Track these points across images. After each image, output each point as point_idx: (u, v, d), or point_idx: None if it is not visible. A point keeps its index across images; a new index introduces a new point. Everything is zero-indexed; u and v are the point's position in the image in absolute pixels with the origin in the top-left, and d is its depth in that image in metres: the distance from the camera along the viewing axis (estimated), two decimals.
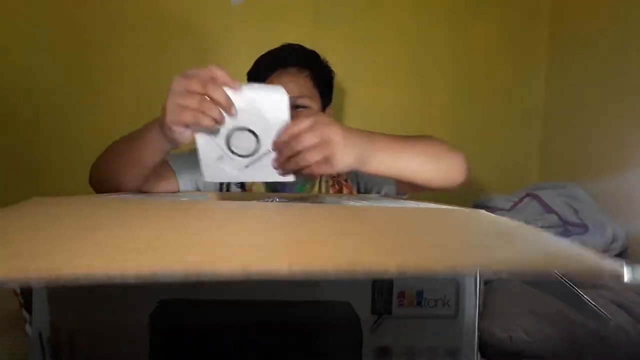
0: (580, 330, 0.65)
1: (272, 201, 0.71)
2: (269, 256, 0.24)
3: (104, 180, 0.78)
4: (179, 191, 0.89)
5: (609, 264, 0.25)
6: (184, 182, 0.90)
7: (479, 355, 0.41)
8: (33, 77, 1.27)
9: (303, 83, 0.96)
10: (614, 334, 0.65)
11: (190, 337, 0.39)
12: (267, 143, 0.64)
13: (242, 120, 0.62)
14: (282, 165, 0.64)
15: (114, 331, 0.38)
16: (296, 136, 0.62)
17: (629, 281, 0.24)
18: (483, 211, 0.46)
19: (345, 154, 0.64)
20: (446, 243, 0.30)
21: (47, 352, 0.37)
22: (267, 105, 0.63)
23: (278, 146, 0.64)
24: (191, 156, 0.75)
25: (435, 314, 0.41)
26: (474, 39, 1.41)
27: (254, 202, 0.52)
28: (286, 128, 0.63)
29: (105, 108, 1.30)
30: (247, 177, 0.67)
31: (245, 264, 0.21)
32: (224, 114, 0.61)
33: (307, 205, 0.48)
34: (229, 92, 0.60)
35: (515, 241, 0.32)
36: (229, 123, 0.62)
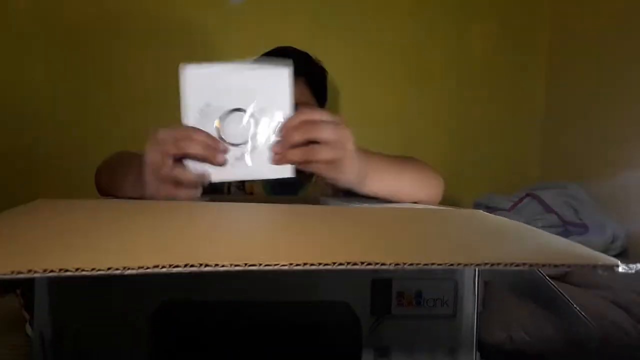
0: (580, 330, 0.65)
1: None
2: (271, 254, 0.24)
3: (105, 192, 0.77)
4: None
5: (603, 256, 0.26)
6: None
7: (478, 354, 0.41)
8: (32, 77, 1.27)
9: (298, 90, 0.94)
10: (614, 334, 0.65)
11: (191, 337, 0.39)
12: (266, 127, 0.56)
13: (236, 100, 0.55)
14: (284, 154, 0.55)
15: (116, 330, 0.38)
16: (313, 123, 0.55)
17: (622, 271, 0.25)
18: (480, 211, 0.46)
19: (352, 166, 0.57)
20: (443, 241, 0.30)
21: (49, 351, 0.37)
22: (268, 82, 0.56)
23: (286, 129, 0.55)
24: None
25: (434, 314, 0.41)
26: (474, 39, 1.41)
27: (255, 204, 0.51)
28: (302, 111, 0.57)
29: (105, 108, 1.30)
30: (237, 174, 0.56)
31: (246, 261, 0.22)
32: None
33: (310, 206, 0.48)
34: (225, 71, 0.55)
35: (510, 238, 0.32)
36: (221, 104, 0.55)
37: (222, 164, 0.54)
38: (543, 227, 1.06)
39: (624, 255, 1.05)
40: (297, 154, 0.55)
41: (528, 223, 1.10)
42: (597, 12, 1.24)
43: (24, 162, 1.28)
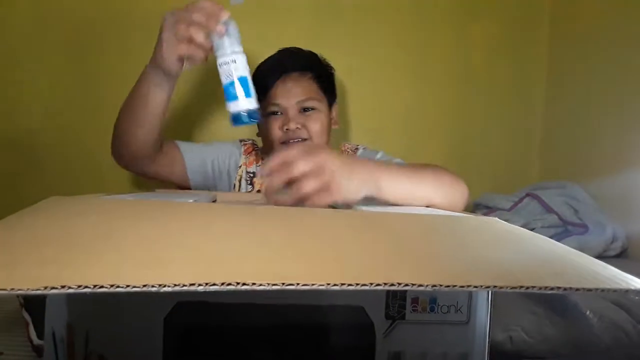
0: (580, 330, 0.65)
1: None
2: (306, 272, 0.25)
3: (119, 139, 0.88)
4: (184, 167, 0.96)
5: (633, 282, 0.26)
6: (191, 159, 0.98)
7: None
8: (36, 77, 1.27)
9: (307, 85, 0.97)
10: (614, 334, 0.65)
11: (205, 339, 0.39)
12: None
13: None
14: (274, 201, 0.58)
15: (129, 331, 0.38)
16: (287, 163, 0.57)
17: None
18: (495, 219, 0.46)
19: (349, 180, 0.58)
20: (461, 257, 0.30)
21: (60, 350, 0.37)
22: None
23: (271, 171, 0.58)
24: (201, 146, 0.99)
25: (448, 320, 0.41)
26: (474, 39, 1.41)
27: (266, 206, 0.50)
28: (277, 154, 0.58)
29: (107, 108, 1.30)
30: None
31: (283, 279, 0.22)
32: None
33: (323, 212, 0.48)
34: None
35: (532, 254, 0.32)
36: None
37: (221, 33, 0.70)
38: (543, 227, 1.07)
39: (624, 255, 1.05)
40: (286, 199, 0.56)
41: (528, 223, 1.11)
42: (597, 13, 1.24)
43: (24, 160, 1.28)
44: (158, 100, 0.81)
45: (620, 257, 1.04)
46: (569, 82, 1.35)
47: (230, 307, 0.39)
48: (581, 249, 0.97)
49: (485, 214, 1.15)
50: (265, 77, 0.97)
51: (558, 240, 1.02)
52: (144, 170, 0.92)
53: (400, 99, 1.40)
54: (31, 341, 0.56)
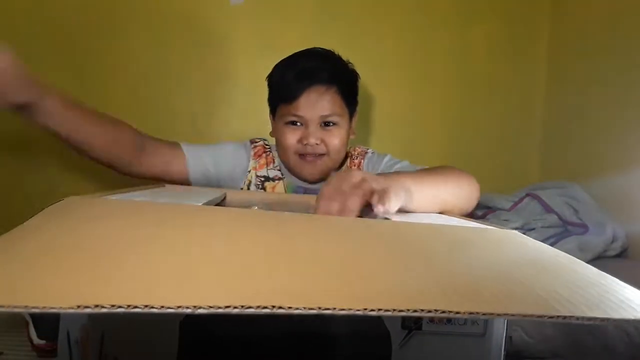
0: (580, 330, 0.65)
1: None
2: (342, 294, 0.25)
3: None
4: (187, 172, 0.96)
5: None
6: (194, 164, 0.97)
7: None
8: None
9: (331, 99, 0.94)
10: (614, 334, 0.65)
11: (220, 344, 0.39)
12: None
13: None
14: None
15: (144, 334, 0.38)
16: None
17: None
18: (515, 232, 0.46)
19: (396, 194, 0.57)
20: (493, 280, 0.30)
21: (75, 352, 0.37)
22: None
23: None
24: (205, 150, 0.97)
25: (464, 332, 0.41)
26: (474, 39, 1.41)
27: (284, 214, 0.50)
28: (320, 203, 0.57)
29: (106, 108, 1.30)
30: None
31: (318, 302, 0.22)
32: None
33: (350, 223, 0.48)
34: None
35: (562, 280, 0.32)
36: None
37: None
38: (543, 227, 1.06)
39: (624, 255, 1.05)
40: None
41: (528, 223, 1.11)
42: (597, 13, 1.24)
43: (24, 161, 1.28)
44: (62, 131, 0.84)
45: (620, 257, 1.04)
46: (569, 82, 1.35)
47: (245, 315, 0.39)
48: (581, 249, 0.98)
49: (485, 214, 1.15)
50: (290, 85, 0.94)
51: (558, 240, 1.02)
52: (134, 173, 0.92)
53: (399, 99, 1.40)
54: (31, 341, 0.56)
